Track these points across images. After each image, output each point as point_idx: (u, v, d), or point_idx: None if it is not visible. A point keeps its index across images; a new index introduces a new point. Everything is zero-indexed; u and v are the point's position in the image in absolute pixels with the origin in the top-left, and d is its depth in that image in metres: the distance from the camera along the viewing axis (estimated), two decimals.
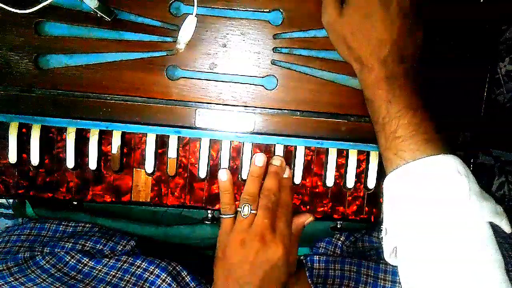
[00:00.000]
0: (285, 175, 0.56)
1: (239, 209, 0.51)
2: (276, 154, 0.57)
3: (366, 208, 0.59)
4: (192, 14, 0.50)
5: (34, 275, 0.56)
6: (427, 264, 0.39)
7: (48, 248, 0.60)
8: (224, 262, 0.50)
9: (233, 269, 0.49)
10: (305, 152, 0.57)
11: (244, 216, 0.50)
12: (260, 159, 0.54)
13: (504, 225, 0.39)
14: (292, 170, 0.57)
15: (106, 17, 0.50)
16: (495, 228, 0.39)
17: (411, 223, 0.41)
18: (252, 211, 0.51)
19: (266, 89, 0.55)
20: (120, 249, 0.63)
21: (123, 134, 0.56)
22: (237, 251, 0.49)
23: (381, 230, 0.45)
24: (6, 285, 0.55)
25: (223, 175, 0.55)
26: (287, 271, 0.51)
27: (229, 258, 0.49)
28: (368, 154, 0.58)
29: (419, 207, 0.40)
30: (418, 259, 0.40)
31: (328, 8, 0.48)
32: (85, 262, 0.59)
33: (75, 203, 0.65)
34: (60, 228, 0.66)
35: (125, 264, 0.60)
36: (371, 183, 0.58)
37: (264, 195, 0.52)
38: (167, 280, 0.59)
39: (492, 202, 0.40)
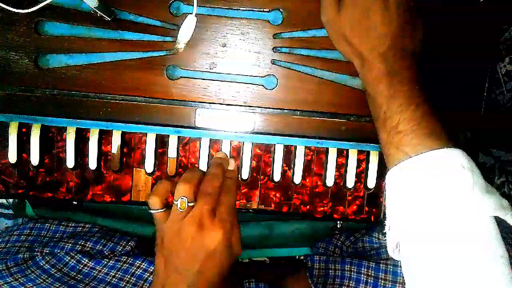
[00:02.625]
0: (230, 167, 0.53)
1: (175, 202, 0.47)
2: (276, 153, 0.57)
3: (366, 208, 0.59)
4: (192, 13, 0.50)
5: (34, 275, 0.56)
6: (430, 259, 0.39)
7: (48, 249, 0.60)
8: (162, 249, 0.47)
9: (170, 256, 0.46)
10: (305, 152, 0.57)
11: (181, 210, 0.46)
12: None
13: (509, 219, 0.38)
14: (292, 170, 0.57)
15: (106, 17, 0.50)
16: (500, 224, 0.39)
17: (414, 218, 0.40)
18: (189, 204, 0.46)
19: (266, 89, 0.55)
20: (120, 249, 0.63)
21: (123, 134, 0.56)
22: (173, 238, 0.46)
23: (384, 226, 0.45)
24: (5, 285, 0.55)
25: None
26: (229, 255, 0.48)
27: (167, 245, 0.47)
28: (368, 154, 0.58)
29: (421, 201, 0.40)
30: (421, 254, 0.40)
31: (327, 5, 0.48)
32: (85, 262, 0.59)
33: (75, 203, 0.65)
34: (60, 229, 0.66)
35: (125, 265, 0.60)
36: (371, 183, 0.58)
37: (205, 180, 0.49)
38: None
39: (497, 195, 0.39)
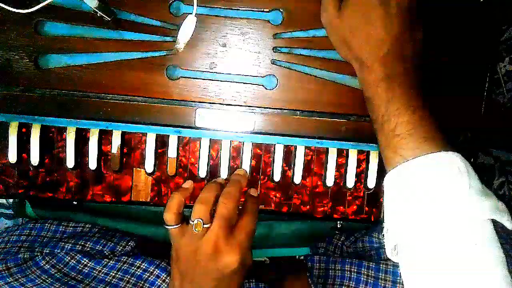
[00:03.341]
0: (253, 194, 0.54)
1: (191, 223, 0.47)
2: (276, 153, 0.57)
3: (366, 208, 0.59)
4: (192, 13, 0.50)
5: (34, 276, 0.56)
6: (427, 261, 0.39)
7: (48, 249, 0.60)
8: (178, 265, 0.48)
9: (186, 272, 0.48)
10: (305, 152, 0.57)
11: (196, 231, 0.46)
12: (220, 178, 0.55)
13: (505, 221, 0.39)
14: (292, 170, 0.57)
15: (106, 17, 0.50)
16: (497, 229, 0.39)
17: (411, 220, 0.41)
18: (204, 226, 0.46)
19: (266, 89, 0.55)
20: (120, 249, 0.63)
21: (123, 134, 0.56)
22: (189, 257, 0.47)
23: (383, 227, 0.45)
24: (5, 286, 0.55)
25: (186, 184, 0.54)
26: (243, 274, 0.49)
27: (183, 262, 0.48)
28: (368, 154, 0.58)
29: (419, 204, 0.40)
30: (418, 257, 0.40)
31: (327, 7, 0.48)
32: (85, 262, 0.59)
33: (75, 203, 0.65)
34: (60, 229, 0.66)
35: (125, 265, 0.60)
36: (371, 183, 0.58)
37: (222, 200, 0.48)
38: (167, 280, 0.59)
39: (493, 198, 0.39)
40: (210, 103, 0.55)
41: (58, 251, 0.59)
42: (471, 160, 0.58)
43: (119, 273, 0.59)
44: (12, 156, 0.55)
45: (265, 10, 0.54)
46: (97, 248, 0.62)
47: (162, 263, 0.61)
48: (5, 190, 0.56)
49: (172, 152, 0.56)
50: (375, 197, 0.59)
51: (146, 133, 0.56)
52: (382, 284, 0.58)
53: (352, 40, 0.46)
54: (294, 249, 0.77)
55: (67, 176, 0.57)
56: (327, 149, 0.57)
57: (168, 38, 0.53)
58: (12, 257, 0.58)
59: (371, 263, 0.60)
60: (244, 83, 0.55)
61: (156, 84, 0.54)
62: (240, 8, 0.53)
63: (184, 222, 0.49)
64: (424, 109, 0.43)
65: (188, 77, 0.54)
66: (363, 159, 0.58)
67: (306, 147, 0.57)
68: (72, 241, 0.61)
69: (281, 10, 0.54)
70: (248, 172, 0.56)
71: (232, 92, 0.55)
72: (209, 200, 0.48)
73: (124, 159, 0.57)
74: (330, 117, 0.56)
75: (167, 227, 0.49)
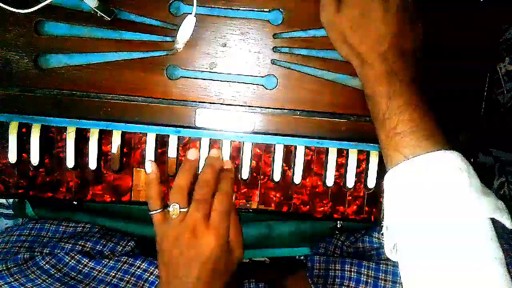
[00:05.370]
0: (226, 166, 0.53)
1: (169, 209, 0.48)
2: (276, 153, 0.57)
3: (366, 208, 0.59)
4: (191, 13, 0.50)
5: (34, 276, 0.56)
6: (427, 260, 0.39)
7: (48, 249, 0.60)
8: (162, 257, 0.48)
9: (170, 264, 0.47)
10: (305, 152, 0.57)
11: (174, 216, 0.47)
12: (193, 153, 0.52)
13: (505, 220, 0.39)
14: (292, 170, 0.57)
15: (106, 17, 0.50)
16: (497, 229, 0.39)
17: (411, 219, 0.41)
18: (182, 209, 0.47)
19: (266, 89, 0.55)
20: (120, 249, 0.63)
21: (123, 134, 0.56)
22: (170, 246, 0.47)
23: (382, 226, 0.45)
24: (5, 286, 0.55)
25: (148, 167, 0.51)
26: (228, 259, 0.48)
27: (166, 253, 0.48)
28: (368, 154, 0.58)
29: (419, 203, 0.40)
30: (418, 256, 0.40)
31: (326, 5, 0.48)
32: (85, 262, 0.59)
33: (75, 203, 0.65)
34: (60, 229, 0.66)
35: (125, 265, 0.60)
36: (371, 183, 0.58)
37: (198, 186, 0.49)
38: None
39: (493, 197, 0.39)
40: (210, 103, 0.55)
41: (58, 251, 0.59)
42: (471, 160, 0.58)
43: (119, 273, 0.59)
44: (12, 156, 0.55)
45: (265, 10, 0.54)
46: (97, 248, 0.62)
47: None
48: (5, 190, 0.56)
49: (172, 152, 0.56)
50: (375, 197, 0.59)
51: (146, 133, 0.56)
52: (382, 284, 0.58)
53: (352, 37, 0.46)
54: (294, 249, 0.77)
55: (67, 176, 0.57)
56: (327, 149, 0.57)
57: (168, 38, 0.53)
58: (12, 257, 0.58)
59: (371, 263, 0.60)
60: (244, 83, 0.55)
61: (156, 84, 0.54)
62: (240, 8, 0.53)
63: (166, 209, 0.49)
64: (425, 106, 0.43)
65: (188, 77, 0.54)
66: (363, 159, 0.58)
67: (306, 147, 0.57)
68: (72, 241, 0.61)
69: (281, 10, 0.54)
70: (219, 151, 0.54)
71: (232, 92, 0.55)
72: (184, 185, 0.49)
73: (124, 159, 0.57)
74: (330, 117, 0.56)
75: (152, 212, 0.49)
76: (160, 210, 0.49)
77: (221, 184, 0.51)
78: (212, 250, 0.46)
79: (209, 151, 0.56)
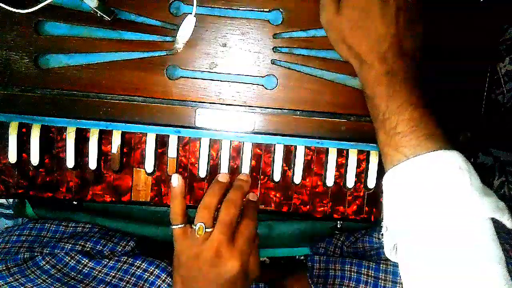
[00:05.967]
0: (253, 199, 0.54)
1: (194, 227, 0.48)
2: (276, 153, 0.57)
3: (366, 208, 0.59)
4: (191, 13, 0.50)
5: (34, 276, 0.56)
6: (427, 261, 0.39)
7: (48, 249, 0.60)
8: (180, 271, 0.48)
9: (188, 279, 0.48)
10: (305, 152, 0.57)
11: (198, 235, 0.47)
12: (224, 176, 0.53)
13: (506, 220, 0.39)
14: (292, 170, 0.57)
15: (106, 17, 0.50)
16: (497, 229, 0.39)
17: (411, 219, 0.41)
18: (206, 230, 0.47)
19: (266, 89, 0.55)
20: (120, 249, 0.63)
21: (123, 134, 0.56)
22: (191, 263, 0.47)
23: (382, 226, 0.45)
24: (5, 286, 0.55)
25: (175, 181, 0.50)
26: (246, 282, 0.49)
27: (184, 267, 0.48)
28: (368, 154, 0.58)
29: (419, 203, 0.40)
30: (418, 256, 0.40)
31: (326, 5, 0.48)
32: (85, 262, 0.59)
33: (75, 203, 0.65)
34: (60, 229, 0.66)
35: (125, 265, 0.60)
36: (371, 183, 0.58)
37: (225, 206, 0.49)
38: (167, 280, 0.59)
39: (494, 197, 0.39)
40: (210, 103, 0.55)
41: (58, 251, 0.59)
42: (471, 160, 0.58)
43: (119, 273, 0.59)
44: (12, 156, 0.55)
45: (265, 10, 0.54)
46: (97, 248, 0.62)
47: (162, 263, 0.61)
48: (5, 190, 0.56)
49: (172, 152, 0.56)
50: (375, 197, 0.59)
51: (146, 133, 0.56)
52: (382, 284, 0.58)
53: (351, 38, 0.46)
54: (294, 249, 0.77)
55: (67, 176, 0.57)
56: (327, 149, 0.57)
57: (168, 38, 0.53)
58: (12, 257, 0.58)
59: (371, 263, 0.60)
60: (244, 83, 0.55)
61: (156, 84, 0.54)
62: (240, 8, 0.53)
63: (188, 224, 0.49)
64: (425, 105, 0.43)
65: (188, 77, 0.54)
66: (363, 159, 0.58)
67: (306, 147, 0.57)
68: (72, 241, 0.61)
69: (281, 10, 0.54)
70: (249, 176, 0.56)
71: (232, 92, 0.55)
72: (212, 205, 0.49)
73: (124, 159, 0.57)
74: (330, 117, 0.56)
75: (173, 227, 0.49)
76: (182, 225, 0.49)
77: (247, 211, 0.51)
78: (234, 273, 0.46)
79: (209, 151, 0.57)
